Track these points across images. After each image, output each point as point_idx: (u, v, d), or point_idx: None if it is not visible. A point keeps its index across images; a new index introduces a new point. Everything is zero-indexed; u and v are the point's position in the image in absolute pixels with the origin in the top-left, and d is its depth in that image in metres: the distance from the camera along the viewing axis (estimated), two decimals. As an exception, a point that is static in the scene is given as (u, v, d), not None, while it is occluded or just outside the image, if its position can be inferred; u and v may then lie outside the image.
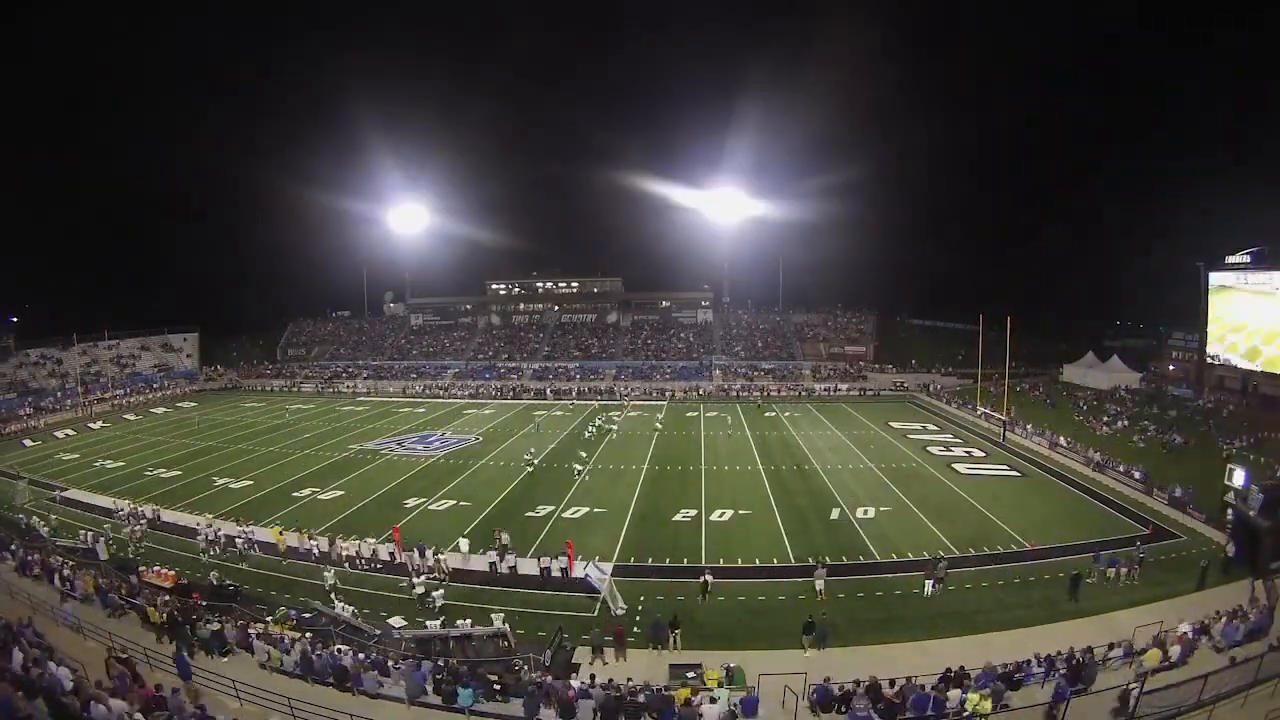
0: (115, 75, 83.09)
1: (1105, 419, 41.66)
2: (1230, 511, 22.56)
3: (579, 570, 20.75)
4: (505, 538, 22.42)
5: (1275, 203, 43.46)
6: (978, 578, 20.57)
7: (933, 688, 12.57)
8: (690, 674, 14.39)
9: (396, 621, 18.02)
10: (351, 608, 18.24)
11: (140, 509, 27.40)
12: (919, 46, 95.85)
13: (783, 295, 79.65)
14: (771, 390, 58.96)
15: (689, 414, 49.82)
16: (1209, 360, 44.79)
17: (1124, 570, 19.86)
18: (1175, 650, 13.75)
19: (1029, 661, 13.90)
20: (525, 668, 14.92)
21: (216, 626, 15.18)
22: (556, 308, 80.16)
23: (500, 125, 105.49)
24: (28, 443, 43.68)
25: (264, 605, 18.92)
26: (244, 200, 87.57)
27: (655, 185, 74.13)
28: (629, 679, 13.36)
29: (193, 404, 58.28)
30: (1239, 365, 42.66)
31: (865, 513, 26.63)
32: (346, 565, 21.92)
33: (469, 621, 17.37)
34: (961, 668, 13.22)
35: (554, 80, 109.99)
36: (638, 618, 18.32)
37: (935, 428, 43.57)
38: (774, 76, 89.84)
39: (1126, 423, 40.19)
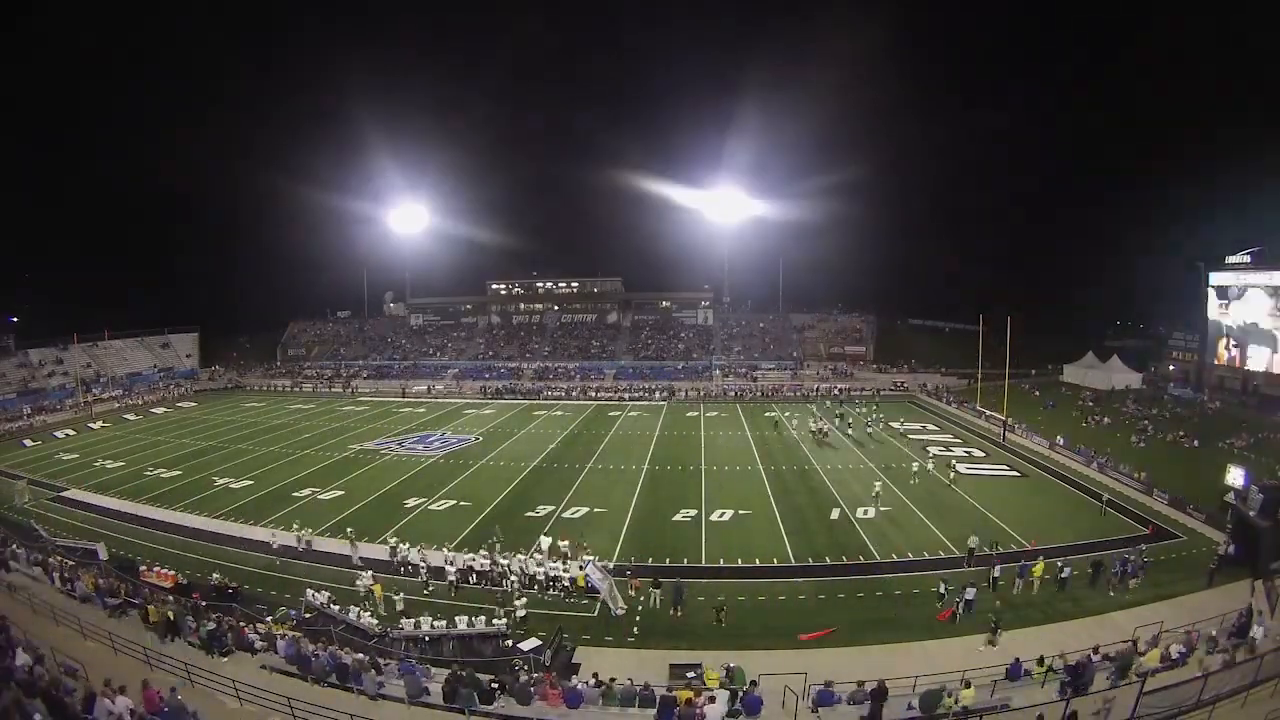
0: (115, 75, 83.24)
1: (1105, 419, 41.68)
2: (1230, 511, 22.56)
3: (577, 570, 20.73)
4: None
5: (1275, 203, 43.48)
6: (978, 578, 20.53)
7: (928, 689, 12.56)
8: (690, 674, 14.39)
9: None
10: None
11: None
12: (919, 46, 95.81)
13: (783, 295, 79.61)
14: (771, 390, 59.04)
15: (689, 414, 49.83)
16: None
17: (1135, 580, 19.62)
18: (1175, 650, 13.75)
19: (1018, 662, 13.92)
20: (525, 667, 14.92)
21: (214, 626, 15.16)
22: (557, 308, 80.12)
23: (500, 125, 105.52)
24: (28, 443, 43.67)
25: (264, 605, 18.94)
26: (244, 200, 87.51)
27: (655, 185, 74.03)
28: (629, 679, 13.36)
29: (193, 404, 58.32)
30: (1238, 365, 42.71)
31: (865, 513, 26.63)
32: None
33: (468, 619, 17.39)
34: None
35: (554, 80, 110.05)
36: (637, 619, 18.35)
37: (935, 428, 43.55)
38: (774, 76, 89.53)
39: (1128, 422, 40.22)
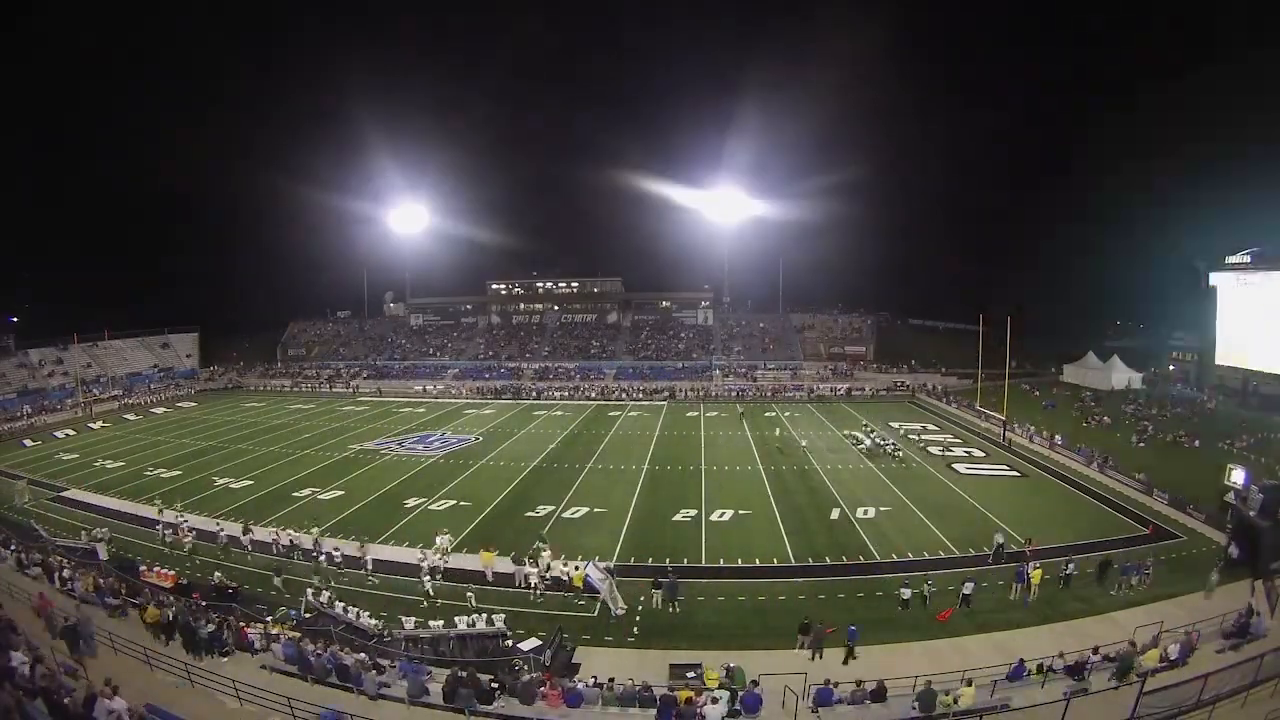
0: (115, 75, 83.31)
1: (1106, 419, 41.68)
2: (1230, 511, 22.55)
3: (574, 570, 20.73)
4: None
5: (1275, 203, 43.49)
6: (978, 578, 20.55)
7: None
8: (690, 674, 14.39)
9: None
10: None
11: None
12: (919, 46, 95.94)
13: (783, 295, 79.71)
14: (772, 390, 59.04)
15: (689, 414, 49.82)
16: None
17: (1135, 578, 19.64)
18: (1175, 650, 13.75)
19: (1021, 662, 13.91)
20: (525, 667, 14.92)
21: (214, 627, 15.15)
22: (556, 308, 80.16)
23: (500, 125, 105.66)
24: (28, 443, 43.66)
25: (264, 605, 18.94)
26: (244, 200, 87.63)
27: (655, 185, 74.21)
28: (629, 679, 13.36)
29: (193, 404, 58.33)
30: (1238, 365, 42.71)
31: (865, 513, 26.63)
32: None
33: (469, 619, 17.38)
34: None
35: (554, 80, 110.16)
36: (637, 618, 18.34)
37: (935, 428, 43.55)
38: (774, 76, 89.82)
39: (1128, 422, 40.21)
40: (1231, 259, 43.71)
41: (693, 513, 27.04)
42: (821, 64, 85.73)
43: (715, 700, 12.06)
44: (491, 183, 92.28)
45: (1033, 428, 40.07)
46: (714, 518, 26.43)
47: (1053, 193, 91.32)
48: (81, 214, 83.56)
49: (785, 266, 79.17)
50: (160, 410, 55.35)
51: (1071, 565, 19.89)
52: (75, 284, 74.87)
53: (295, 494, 30.61)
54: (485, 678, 13.30)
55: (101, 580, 18.26)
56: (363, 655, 14.73)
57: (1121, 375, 50.71)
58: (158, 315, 74.00)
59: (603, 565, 20.65)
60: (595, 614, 18.63)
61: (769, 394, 58.25)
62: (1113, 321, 76.80)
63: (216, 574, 20.68)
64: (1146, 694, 10.95)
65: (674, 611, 18.62)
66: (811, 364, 66.49)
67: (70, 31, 78.05)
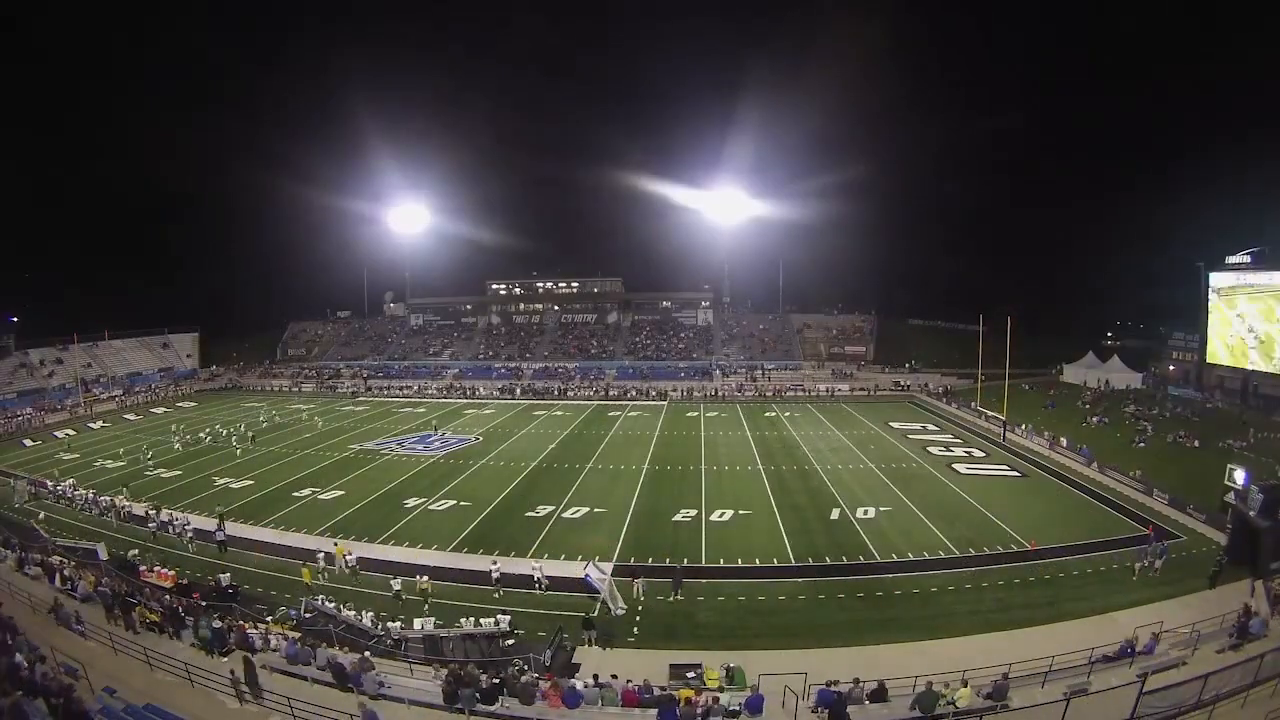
0: (115, 74, 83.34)
1: (1106, 419, 41.67)
2: (1230, 511, 22.53)
3: (579, 570, 20.75)
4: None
5: (1275, 203, 43.45)
6: (978, 578, 20.58)
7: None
8: (690, 674, 14.40)
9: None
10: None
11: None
12: (919, 46, 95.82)
13: (783, 295, 79.70)
14: (772, 390, 59.02)
15: (689, 414, 49.81)
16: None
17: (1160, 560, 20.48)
18: (1175, 650, 13.75)
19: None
20: (526, 667, 14.91)
21: (218, 625, 15.15)
22: (556, 308, 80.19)
23: (500, 125, 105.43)
24: (28, 443, 43.66)
25: (264, 605, 18.93)
26: (244, 200, 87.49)
27: (655, 185, 74.26)
28: (629, 680, 13.36)
29: (193, 404, 58.31)
30: (1238, 365, 42.70)
31: (865, 513, 26.63)
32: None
33: (471, 620, 17.37)
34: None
35: (554, 79, 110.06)
36: (637, 619, 18.35)
37: (935, 428, 43.55)
38: (774, 76, 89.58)
39: (1128, 422, 40.20)
40: (1232, 259, 43.65)
41: (693, 513, 27.03)
42: (822, 63, 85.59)
43: (714, 700, 12.06)
44: (491, 183, 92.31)
45: (1032, 428, 40.10)
46: (714, 518, 26.42)
47: (1053, 192, 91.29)
48: (81, 214, 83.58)
49: (785, 266, 79.31)
50: (160, 410, 55.33)
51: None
52: (75, 284, 74.84)
53: (295, 494, 30.60)
54: (485, 677, 13.30)
55: (102, 580, 18.28)
56: (366, 654, 14.73)
57: (1121, 375, 50.72)
58: (158, 315, 74.04)
59: (600, 564, 20.69)
60: (595, 614, 18.62)
61: (769, 394, 58.23)
62: (1113, 321, 76.74)
63: (225, 575, 20.63)
64: (1146, 694, 10.95)
65: (677, 599, 18.91)
66: (811, 364, 66.50)
67: (70, 31, 78.13)
